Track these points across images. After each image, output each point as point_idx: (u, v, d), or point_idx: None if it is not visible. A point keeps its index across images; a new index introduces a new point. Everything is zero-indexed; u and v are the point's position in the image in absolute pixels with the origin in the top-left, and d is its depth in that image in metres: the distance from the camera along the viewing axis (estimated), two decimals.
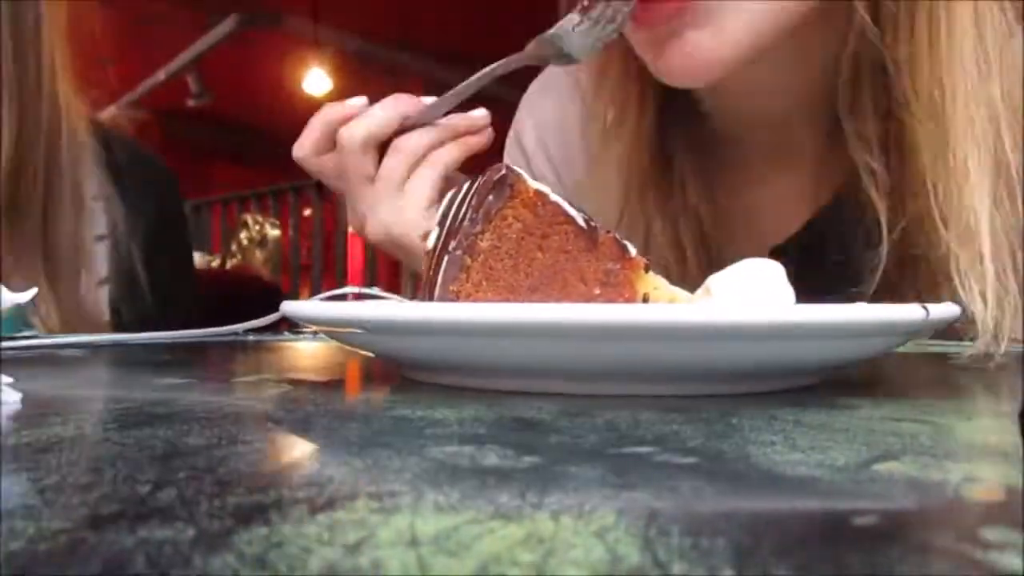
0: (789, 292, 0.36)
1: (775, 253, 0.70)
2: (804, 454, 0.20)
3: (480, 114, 0.67)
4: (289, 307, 0.37)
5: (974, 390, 0.38)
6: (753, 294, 0.35)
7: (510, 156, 0.87)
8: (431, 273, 0.36)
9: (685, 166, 0.72)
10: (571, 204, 0.35)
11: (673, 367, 0.31)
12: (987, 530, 0.14)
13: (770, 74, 0.64)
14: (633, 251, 0.34)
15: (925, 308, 0.32)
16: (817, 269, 0.66)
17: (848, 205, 0.65)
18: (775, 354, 0.31)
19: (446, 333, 0.30)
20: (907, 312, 0.31)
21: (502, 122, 0.88)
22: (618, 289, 0.34)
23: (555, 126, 0.83)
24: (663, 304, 0.35)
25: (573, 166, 0.80)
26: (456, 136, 0.67)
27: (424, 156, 0.65)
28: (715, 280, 0.36)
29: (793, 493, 0.17)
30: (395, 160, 0.65)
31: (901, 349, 0.56)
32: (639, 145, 0.71)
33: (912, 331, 0.33)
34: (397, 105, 0.65)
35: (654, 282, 0.35)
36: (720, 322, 0.28)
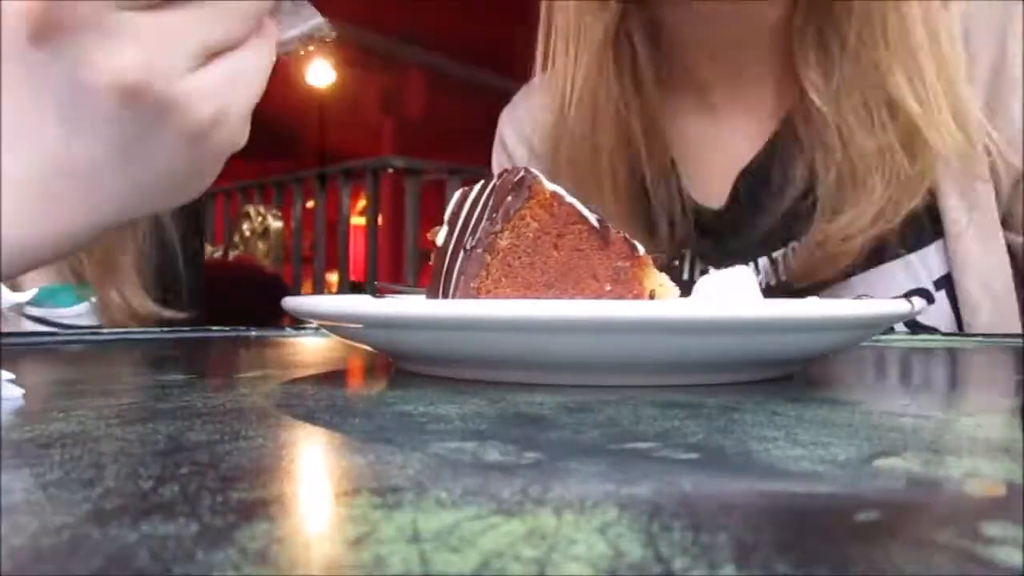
0: (759, 296, 0.40)
1: (745, 174, 0.74)
2: (805, 449, 0.20)
3: None
4: (289, 303, 0.38)
5: (975, 386, 0.38)
6: (735, 295, 0.38)
7: (496, 160, 0.89)
8: (446, 270, 0.37)
9: (639, 59, 0.74)
10: (585, 205, 0.36)
11: (677, 359, 0.32)
12: (988, 525, 0.14)
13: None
14: (642, 250, 0.36)
15: (910, 303, 0.35)
16: (782, 186, 0.71)
17: (796, 124, 0.71)
18: (773, 345, 0.33)
19: (458, 328, 0.31)
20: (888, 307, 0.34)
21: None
22: (627, 285, 0.35)
23: (531, 117, 0.84)
24: (671, 300, 0.36)
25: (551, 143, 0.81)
26: None
27: None
28: (702, 283, 0.39)
29: (794, 488, 0.17)
30: None
31: (902, 344, 0.56)
32: (593, 38, 0.73)
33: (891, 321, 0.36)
34: None
35: (660, 279, 0.36)
36: (735, 316, 0.30)
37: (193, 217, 0.95)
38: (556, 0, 0.75)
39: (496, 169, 0.88)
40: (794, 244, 0.72)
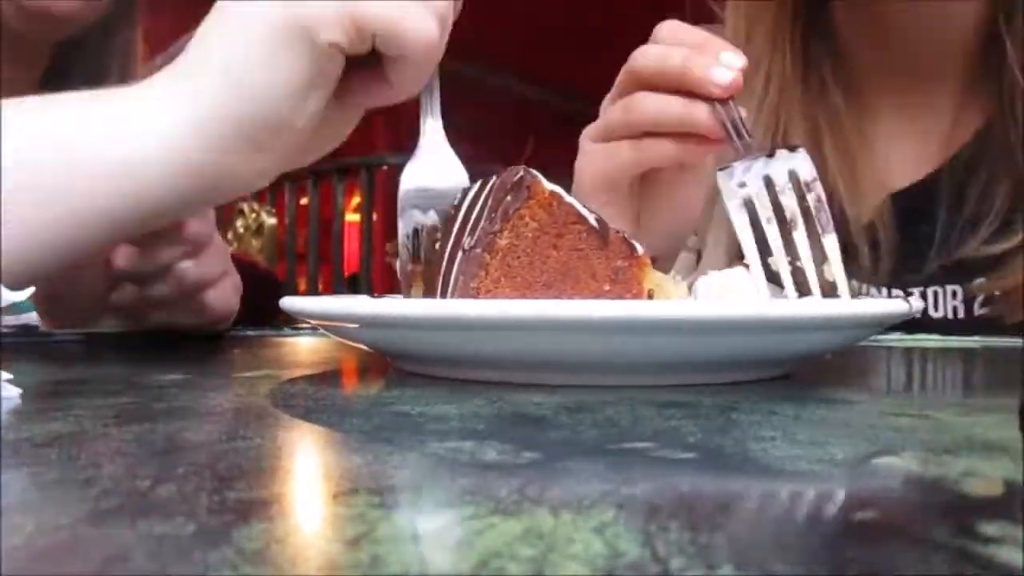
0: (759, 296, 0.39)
1: (901, 194, 0.72)
2: (803, 449, 0.20)
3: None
4: (288, 303, 0.38)
5: (973, 385, 0.38)
6: (734, 295, 0.38)
7: None
8: (444, 270, 0.37)
9: (826, 75, 0.73)
10: (583, 205, 0.35)
11: (676, 359, 0.32)
12: (986, 524, 0.14)
13: (929, 13, 0.66)
14: (640, 250, 0.35)
15: (908, 302, 0.34)
16: (953, 222, 0.68)
17: (985, 156, 0.67)
18: (771, 344, 0.33)
19: (457, 328, 0.31)
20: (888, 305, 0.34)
21: None
22: (626, 285, 0.35)
23: None
24: (668, 300, 0.36)
25: None
26: None
27: None
28: (701, 283, 0.38)
29: (792, 488, 0.17)
30: None
31: (900, 344, 0.56)
32: (781, 48, 0.72)
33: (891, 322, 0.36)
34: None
35: (657, 279, 0.36)
36: (734, 316, 0.30)
37: None
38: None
39: None
40: (980, 280, 0.69)
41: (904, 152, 0.74)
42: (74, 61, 0.79)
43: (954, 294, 0.71)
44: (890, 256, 0.72)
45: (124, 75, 0.80)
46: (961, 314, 0.71)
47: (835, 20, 0.74)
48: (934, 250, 0.70)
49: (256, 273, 2.61)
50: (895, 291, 0.71)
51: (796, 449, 0.20)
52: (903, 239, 0.72)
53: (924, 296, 0.71)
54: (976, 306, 0.71)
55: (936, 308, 0.71)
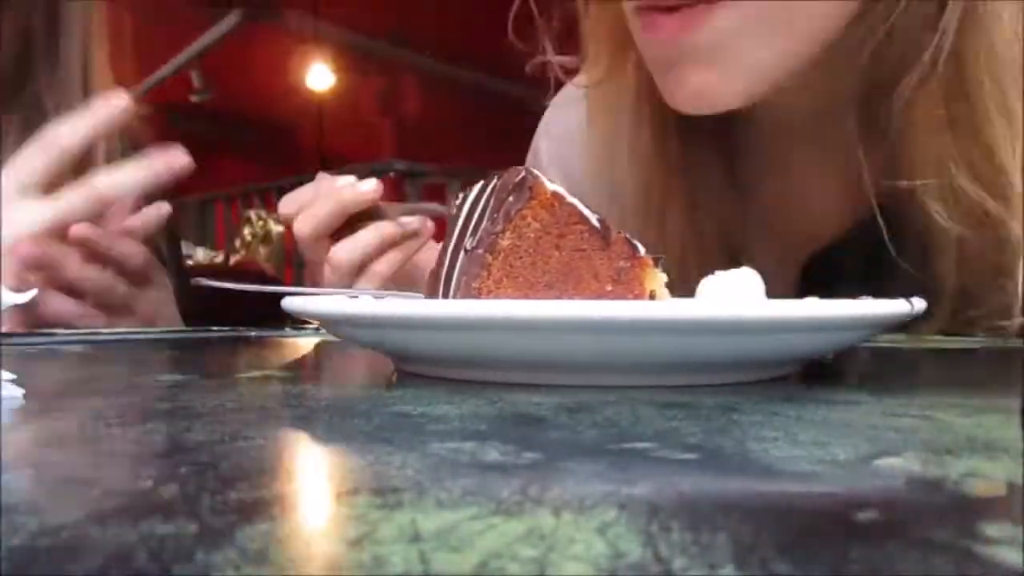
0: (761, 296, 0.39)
1: (807, 266, 0.68)
2: (805, 449, 0.20)
3: (420, 224, 0.69)
4: (290, 303, 0.38)
5: (974, 385, 0.38)
6: (736, 295, 0.38)
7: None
8: (446, 270, 0.37)
9: (708, 151, 0.69)
10: (586, 205, 0.36)
11: (677, 359, 0.32)
12: (988, 525, 0.14)
13: (795, 89, 0.59)
14: (643, 250, 0.36)
15: (910, 302, 0.34)
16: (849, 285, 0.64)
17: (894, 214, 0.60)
18: (772, 345, 0.33)
19: (459, 329, 0.31)
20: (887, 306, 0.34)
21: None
22: (628, 286, 0.35)
23: (570, 138, 0.79)
24: (672, 301, 0.36)
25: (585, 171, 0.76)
26: (395, 243, 0.68)
27: (363, 268, 0.67)
28: (705, 284, 0.38)
29: (793, 488, 0.17)
30: (335, 275, 0.67)
31: (902, 344, 0.56)
32: (659, 130, 0.68)
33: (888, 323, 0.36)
34: (342, 199, 0.67)
35: (660, 279, 0.36)
36: (735, 316, 0.30)
37: (172, 231, 0.96)
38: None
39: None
40: None
41: (805, 212, 0.70)
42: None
43: None
44: None
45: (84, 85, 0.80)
46: None
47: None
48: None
49: (264, 280, 2.61)
50: None
51: (797, 449, 0.20)
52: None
53: None
54: None
55: None
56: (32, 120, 0.76)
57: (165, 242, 0.91)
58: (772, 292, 0.38)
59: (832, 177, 0.68)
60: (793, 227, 0.71)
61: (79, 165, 0.70)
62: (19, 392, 0.29)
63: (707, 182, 0.70)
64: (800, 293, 0.62)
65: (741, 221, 0.71)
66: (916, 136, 0.59)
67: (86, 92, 0.79)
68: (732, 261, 0.63)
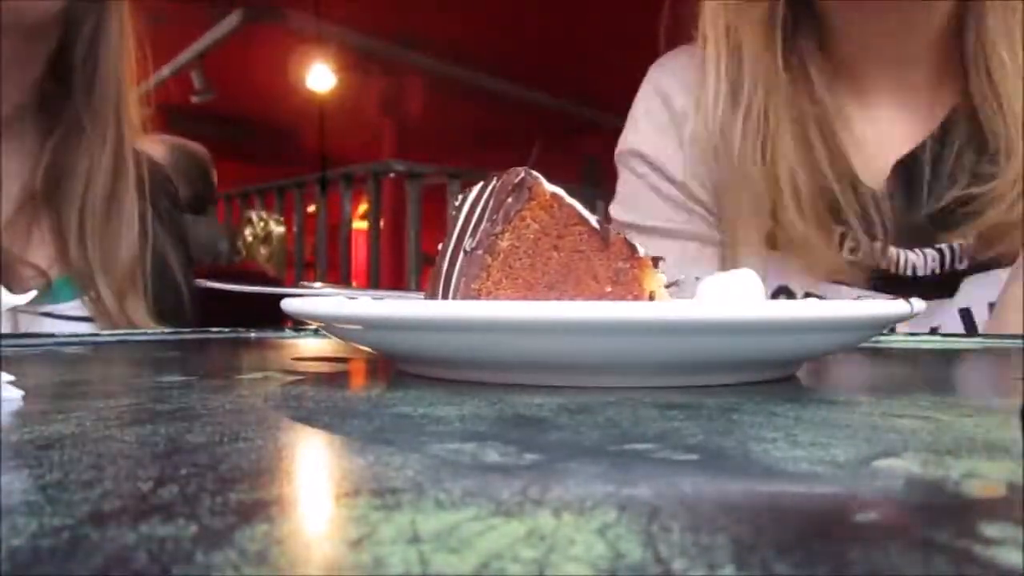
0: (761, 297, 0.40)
1: (901, 163, 0.79)
2: (805, 450, 0.20)
3: None
4: (289, 304, 0.38)
5: (974, 386, 0.38)
6: (736, 296, 0.38)
7: (649, 117, 0.89)
8: (446, 271, 0.37)
9: (811, 67, 0.79)
10: (584, 207, 0.36)
11: (677, 359, 0.32)
12: (988, 526, 0.14)
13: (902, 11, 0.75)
14: (642, 251, 0.36)
15: (910, 303, 0.35)
16: (938, 181, 0.77)
17: (958, 126, 0.77)
18: (773, 345, 0.33)
19: (458, 330, 0.31)
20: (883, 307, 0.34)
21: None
22: (627, 287, 0.35)
23: (690, 83, 0.86)
24: (671, 301, 0.36)
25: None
26: None
27: None
28: (705, 284, 0.39)
29: (794, 489, 0.17)
30: None
31: (901, 344, 0.56)
32: (768, 45, 0.78)
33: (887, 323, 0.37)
34: None
35: (659, 280, 0.36)
36: (735, 317, 0.30)
37: (179, 229, 0.96)
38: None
39: (644, 116, 0.89)
40: (969, 236, 0.77)
41: (892, 130, 0.81)
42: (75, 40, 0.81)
43: (939, 252, 0.79)
44: (890, 219, 0.79)
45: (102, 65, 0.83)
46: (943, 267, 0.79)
47: (820, 16, 0.80)
48: (924, 207, 0.78)
49: (265, 282, 2.61)
50: (900, 251, 0.79)
51: (797, 450, 0.20)
52: (900, 204, 0.79)
53: (954, 251, 0.79)
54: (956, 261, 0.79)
55: (961, 262, 0.79)
56: (70, 139, 0.79)
57: (172, 244, 0.91)
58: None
59: (907, 107, 0.81)
60: (880, 140, 0.81)
61: None
62: (19, 394, 0.29)
63: (807, 69, 0.80)
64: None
65: (841, 128, 0.80)
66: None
67: (117, 114, 0.83)
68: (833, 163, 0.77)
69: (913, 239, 0.79)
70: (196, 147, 2.51)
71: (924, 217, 0.78)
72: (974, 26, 0.75)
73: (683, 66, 0.87)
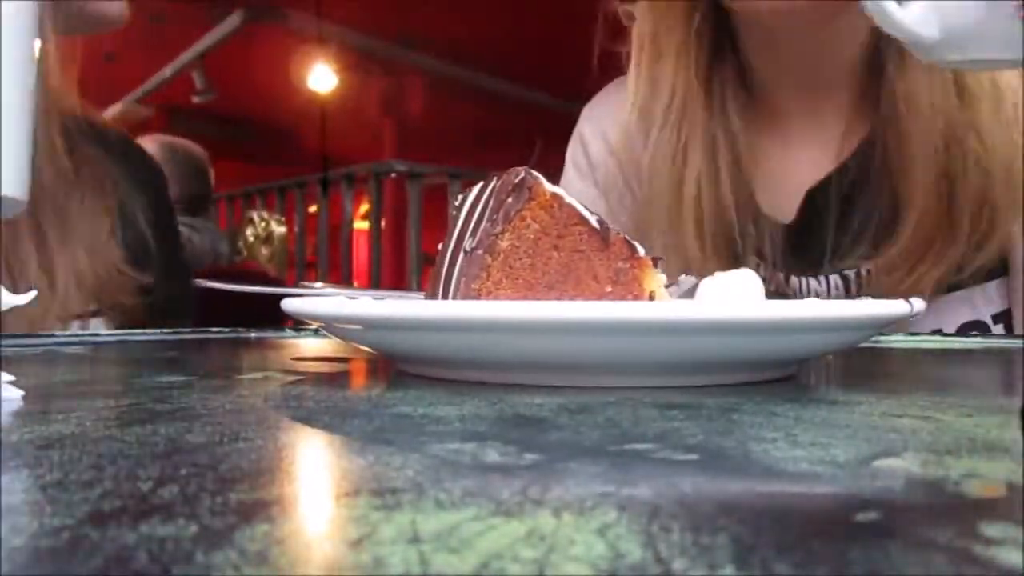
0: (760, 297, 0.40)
1: (813, 192, 0.77)
2: (805, 450, 0.20)
3: None
4: (289, 304, 0.38)
5: (974, 386, 0.38)
6: (736, 296, 0.38)
7: (571, 153, 0.91)
8: (446, 271, 0.37)
9: (727, 94, 0.79)
10: (584, 207, 0.36)
11: (677, 359, 0.32)
12: (988, 526, 0.14)
13: (824, 35, 0.73)
14: (642, 251, 0.36)
15: (910, 303, 0.35)
16: (846, 209, 0.76)
17: (870, 155, 0.75)
18: (772, 345, 0.33)
19: (459, 330, 0.31)
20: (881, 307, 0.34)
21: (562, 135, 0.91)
22: (628, 286, 0.35)
23: (612, 117, 0.87)
24: (671, 301, 0.36)
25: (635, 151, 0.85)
26: None
27: None
28: (704, 284, 0.39)
29: (794, 489, 0.17)
30: None
31: (901, 344, 0.56)
32: (687, 65, 0.78)
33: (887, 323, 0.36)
34: None
35: (659, 280, 0.36)
36: (735, 317, 0.30)
37: (156, 190, 0.97)
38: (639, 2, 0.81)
39: (570, 162, 0.92)
40: (865, 267, 0.76)
41: (801, 158, 0.80)
42: None
43: (843, 278, 0.79)
44: (786, 252, 0.79)
45: None
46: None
47: (737, 40, 0.79)
48: (826, 257, 0.77)
49: (266, 281, 2.62)
50: (801, 278, 0.79)
51: (797, 450, 0.20)
52: (804, 234, 0.79)
53: (860, 275, 0.78)
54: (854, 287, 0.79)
55: (828, 294, 0.79)
56: None
57: (168, 242, 0.92)
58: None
59: (821, 136, 0.79)
60: (791, 170, 0.80)
61: None
62: (19, 394, 0.29)
63: (725, 114, 0.79)
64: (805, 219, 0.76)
65: (750, 157, 0.80)
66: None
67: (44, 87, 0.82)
68: (739, 191, 0.76)
69: (816, 266, 0.78)
70: (192, 146, 2.51)
71: (826, 246, 0.77)
72: (895, 55, 0.72)
73: (610, 104, 0.89)
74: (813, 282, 0.78)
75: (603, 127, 0.88)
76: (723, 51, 0.79)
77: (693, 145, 0.77)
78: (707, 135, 0.78)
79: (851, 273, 0.77)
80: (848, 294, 0.77)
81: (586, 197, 0.87)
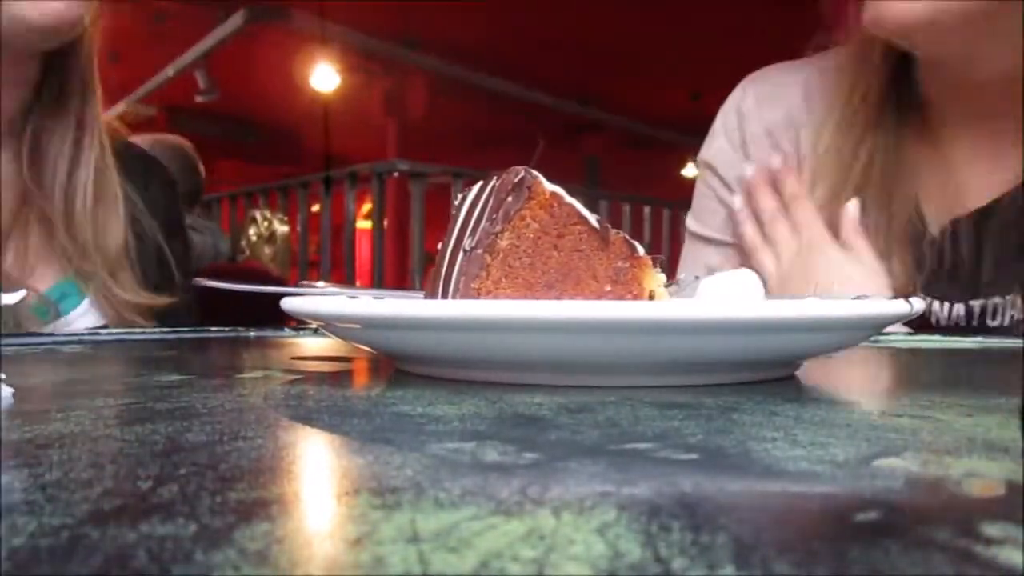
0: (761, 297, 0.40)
1: (979, 213, 0.78)
2: (805, 450, 0.20)
3: None
4: (289, 303, 0.38)
5: (974, 386, 0.38)
6: (736, 295, 0.39)
7: (726, 133, 0.93)
8: (445, 271, 0.37)
9: (899, 113, 0.82)
10: (585, 207, 0.36)
11: (677, 359, 0.32)
12: (988, 525, 0.14)
13: (980, 45, 0.73)
14: (641, 250, 0.35)
15: (909, 303, 0.35)
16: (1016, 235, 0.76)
17: None
18: (773, 345, 0.33)
19: (458, 329, 0.31)
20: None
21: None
22: (627, 286, 0.35)
23: (777, 104, 0.90)
24: (671, 301, 0.36)
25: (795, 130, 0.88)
26: None
27: None
28: (705, 284, 0.39)
29: (794, 488, 0.17)
30: None
31: (902, 344, 0.56)
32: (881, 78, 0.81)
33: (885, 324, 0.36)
34: None
35: (659, 279, 0.36)
36: (735, 316, 0.30)
37: (169, 205, 0.97)
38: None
39: (722, 131, 0.94)
40: (995, 301, 0.77)
41: (978, 178, 0.80)
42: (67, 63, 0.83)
43: (967, 308, 0.79)
44: (956, 271, 0.79)
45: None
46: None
47: (918, 81, 0.82)
48: (992, 270, 0.78)
49: (268, 280, 2.61)
50: (963, 304, 0.79)
51: (797, 450, 0.20)
52: (972, 258, 0.79)
53: (985, 308, 0.78)
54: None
55: (994, 318, 0.78)
56: (34, 159, 0.82)
57: (173, 242, 0.92)
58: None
59: (992, 150, 0.80)
60: (958, 187, 0.81)
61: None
62: (9, 391, 0.29)
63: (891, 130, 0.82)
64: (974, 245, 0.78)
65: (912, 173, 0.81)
66: None
67: (78, 142, 0.84)
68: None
69: (949, 291, 0.79)
70: (181, 141, 2.51)
71: (967, 274, 0.78)
72: None
73: (772, 85, 0.91)
74: (936, 304, 0.79)
75: (763, 108, 0.91)
76: (902, 90, 0.81)
77: (860, 153, 0.80)
78: (873, 152, 0.80)
79: (976, 304, 0.78)
80: (969, 322, 0.78)
81: (736, 170, 0.90)
